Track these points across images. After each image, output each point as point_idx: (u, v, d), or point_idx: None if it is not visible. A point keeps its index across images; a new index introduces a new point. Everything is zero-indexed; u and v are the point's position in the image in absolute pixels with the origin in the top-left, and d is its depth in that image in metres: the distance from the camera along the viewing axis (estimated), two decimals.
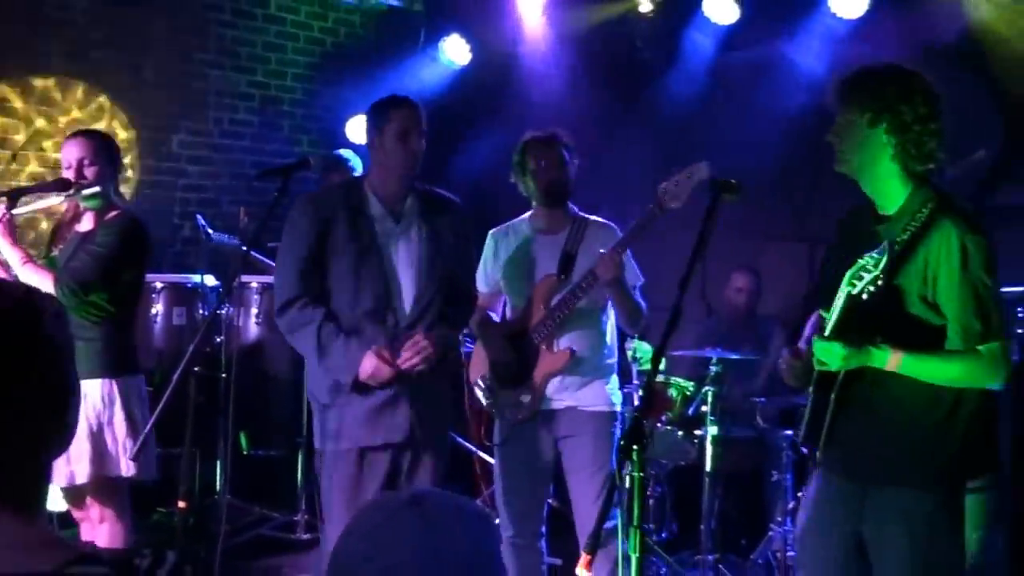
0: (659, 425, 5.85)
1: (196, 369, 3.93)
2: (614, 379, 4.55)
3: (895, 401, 3.13)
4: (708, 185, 3.11)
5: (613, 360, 4.56)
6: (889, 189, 3.16)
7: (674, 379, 5.96)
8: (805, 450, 3.45)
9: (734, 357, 5.63)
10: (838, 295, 3.05)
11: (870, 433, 3.18)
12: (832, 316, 3.07)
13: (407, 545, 1.46)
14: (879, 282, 2.94)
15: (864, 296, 2.96)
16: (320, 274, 4.04)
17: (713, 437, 5.47)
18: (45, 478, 1.59)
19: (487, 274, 4.65)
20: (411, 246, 4.07)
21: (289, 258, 4.04)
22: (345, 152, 5.91)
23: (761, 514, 5.86)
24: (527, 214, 4.61)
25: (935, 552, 3.11)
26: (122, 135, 6.68)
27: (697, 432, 5.70)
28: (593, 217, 4.51)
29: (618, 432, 4.52)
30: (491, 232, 4.68)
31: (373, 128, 4.09)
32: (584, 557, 2.50)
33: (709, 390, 5.52)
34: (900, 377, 3.06)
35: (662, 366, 6.03)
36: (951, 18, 5.99)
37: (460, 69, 7.86)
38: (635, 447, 2.49)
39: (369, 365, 3.90)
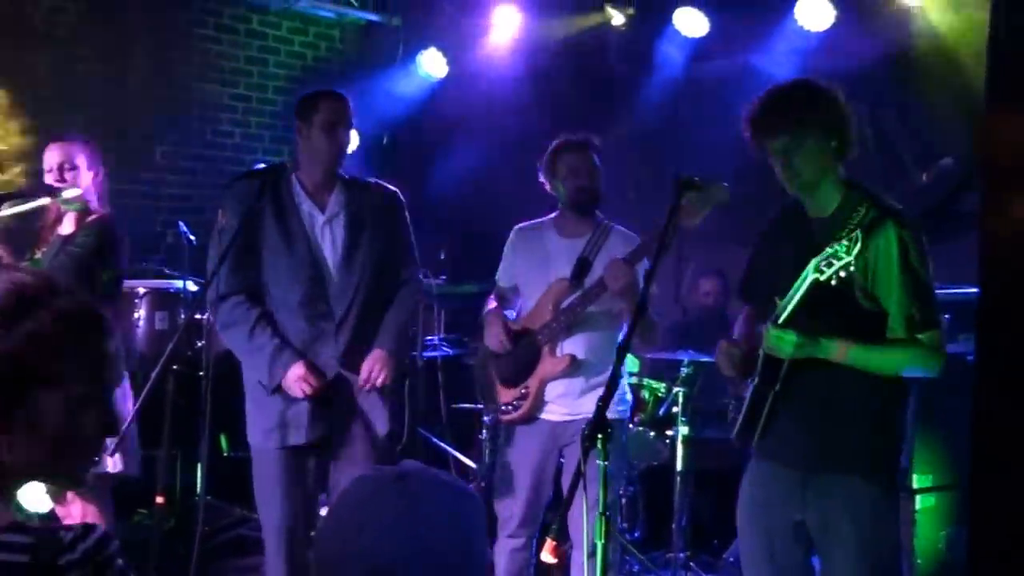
0: (631, 426, 5.83)
1: (175, 367, 3.91)
2: (623, 385, 4.48)
3: (838, 391, 3.17)
4: (672, 182, 3.09)
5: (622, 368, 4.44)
6: (828, 194, 3.21)
7: (646, 380, 5.95)
8: (737, 442, 3.44)
9: (705, 360, 5.64)
10: (799, 283, 3.06)
11: (812, 422, 3.21)
12: (789, 303, 3.09)
13: (391, 521, 1.45)
14: (851, 268, 2.97)
15: (833, 282, 2.98)
16: (254, 266, 4.04)
17: (684, 437, 5.47)
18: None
19: (506, 269, 4.59)
20: (336, 236, 4.07)
21: (219, 250, 3.99)
22: None
23: (733, 514, 5.84)
24: (553, 215, 4.51)
25: (880, 537, 3.16)
26: None
27: (669, 432, 5.70)
28: (617, 226, 4.41)
29: (626, 439, 4.49)
30: (516, 227, 4.59)
31: (299, 119, 4.09)
32: (549, 543, 2.49)
33: (680, 391, 5.52)
34: (843, 367, 3.11)
35: (635, 367, 6.09)
36: (912, 28, 6.03)
37: (437, 82, 7.87)
38: (599, 436, 2.47)
39: (293, 378, 3.94)
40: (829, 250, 2.98)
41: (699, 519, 5.92)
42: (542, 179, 4.45)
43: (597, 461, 2.49)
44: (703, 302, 6.68)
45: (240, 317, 4.02)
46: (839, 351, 3.09)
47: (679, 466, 5.50)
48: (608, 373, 4.19)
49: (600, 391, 4.25)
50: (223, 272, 3.97)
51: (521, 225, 4.59)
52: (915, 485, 4.55)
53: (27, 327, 1.52)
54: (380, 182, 4.28)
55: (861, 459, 3.17)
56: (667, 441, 5.73)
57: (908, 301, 3.06)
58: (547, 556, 2.47)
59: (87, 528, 1.52)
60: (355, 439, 4.04)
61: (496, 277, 4.64)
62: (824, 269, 2.99)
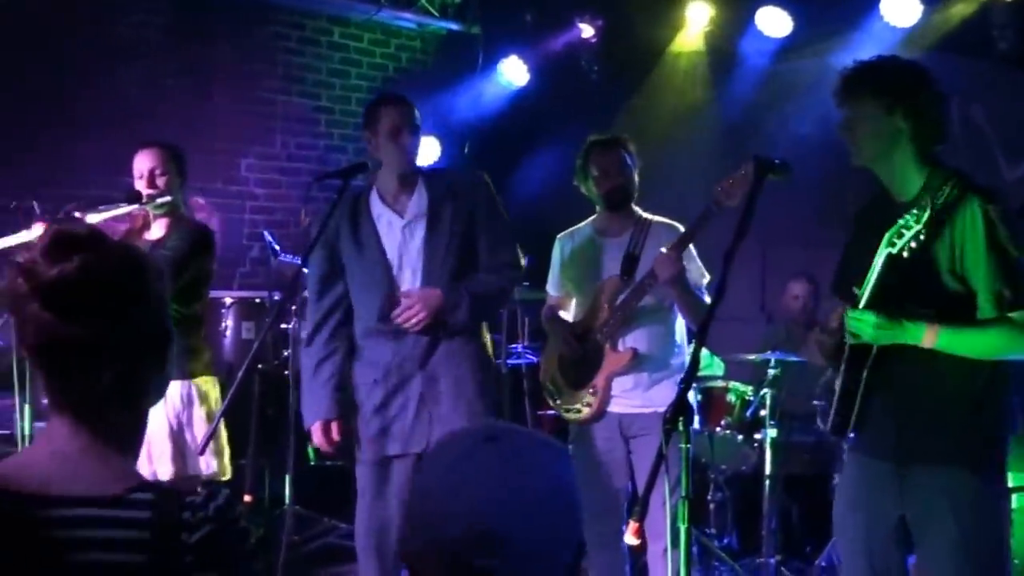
0: (718, 430, 5.83)
1: (260, 366, 4.01)
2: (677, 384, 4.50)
3: (931, 378, 3.08)
4: (753, 165, 3.10)
5: (682, 358, 4.47)
6: (907, 174, 3.16)
7: (732, 384, 5.93)
8: (833, 436, 3.41)
9: (793, 360, 5.61)
10: (875, 260, 3.03)
11: (906, 413, 3.13)
12: (867, 285, 3.05)
13: (488, 481, 1.46)
14: (921, 237, 2.93)
15: (905, 254, 2.95)
16: (341, 288, 4.20)
17: (772, 441, 5.44)
18: (143, 424, 1.73)
19: (556, 278, 4.67)
20: (416, 240, 4.13)
21: (309, 279, 4.25)
22: None
23: (824, 518, 5.79)
24: (592, 217, 4.61)
25: (981, 532, 3.06)
26: None
27: (757, 436, 5.68)
28: (657, 218, 4.48)
29: (694, 428, 4.50)
30: (558, 237, 4.68)
31: (366, 129, 4.19)
32: (632, 525, 2.51)
33: (767, 393, 5.50)
34: (934, 353, 3.02)
35: (720, 370, 6.08)
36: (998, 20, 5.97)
37: (518, 89, 7.95)
38: (681, 418, 2.49)
39: (313, 433, 4.18)
40: (901, 221, 2.96)
41: (790, 524, 5.89)
42: (576, 183, 4.53)
43: (679, 445, 2.51)
44: (792, 306, 6.62)
45: (316, 347, 4.22)
46: (927, 335, 3.00)
47: (768, 470, 5.47)
48: (672, 363, 4.37)
49: (666, 383, 4.37)
50: (311, 306, 4.23)
51: (562, 234, 4.68)
52: (1011, 483, 4.47)
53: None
54: (462, 172, 4.35)
55: (959, 449, 3.06)
56: (755, 445, 5.71)
57: (996, 278, 2.98)
58: (630, 538, 2.50)
59: (212, 491, 1.59)
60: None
61: (547, 288, 4.72)
62: (896, 241, 2.95)
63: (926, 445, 3.11)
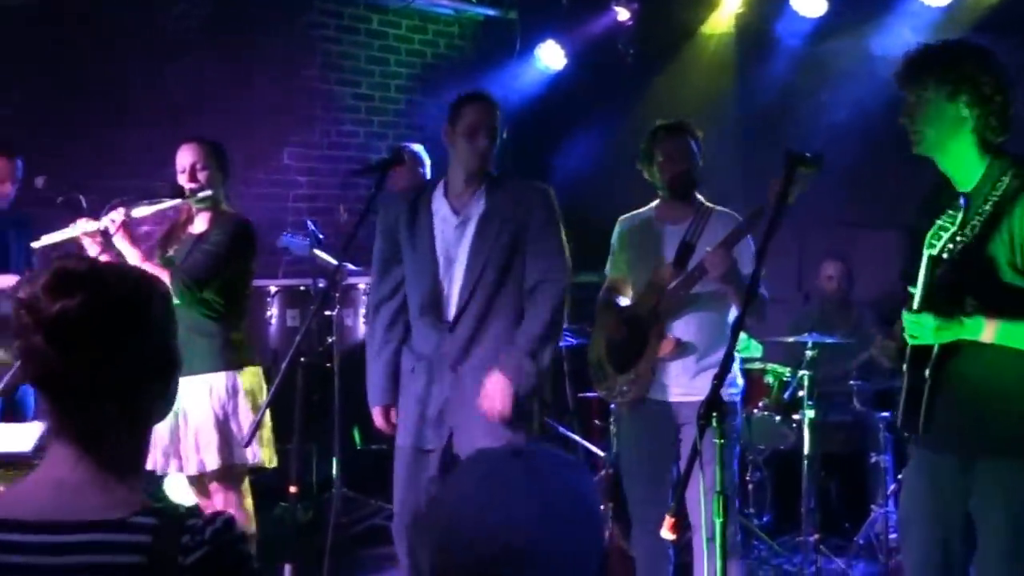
0: (756, 411, 5.82)
1: (303, 359, 4.04)
2: (734, 369, 4.42)
3: (991, 371, 3.03)
4: (784, 159, 3.06)
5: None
6: (967, 163, 3.09)
7: (770, 365, 5.92)
8: (906, 433, 3.35)
9: (829, 341, 5.59)
10: (921, 263, 2.99)
11: (968, 406, 3.08)
12: (918, 287, 3.00)
13: (517, 496, 1.47)
14: (958, 238, 2.89)
15: (944, 255, 2.91)
16: (401, 271, 4.24)
17: (810, 421, 5.43)
18: (147, 446, 1.74)
19: (614, 260, 4.64)
20: (464, 241, 4.13)
21: (373, 260, 4.29)
22: (416, 146, 5.98)
23: (862, 496, 5.79)
24: (654, 203, 4.53)
25: None
26: None
27: (795, 416, 5.67)
28: (719, 208, 4.41)
29: (737, 423, 4.48)
30: (619, 219, 4.64)
31: (449, 124, 4.18)
32: (668, 520, 2.52)
33: (805, 374, 5.48)
34: (994, 347, 2.98)
35: (759, 352, 6.06)
36: None
37: (556, 74, 7.92)
38: (714, 414, 2.49)
39: (374, 415, 4.28)
40: (938, 222, 2.91)
41: (828, 502, 5.88)
42: (639, 167, 4.46)
43: (713, 440, 2.50)
44: (825, 286, 6.61)
45: (377, 332, 4.30)
46: (986, 330, 2.95)
47: (806, 450, 5.46)
48: (719, 353, 4.24)
49: (713, 371, 4.31)
50: (374, 281, 4.31)
51: (623, 216, 4.63)
52: None
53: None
54: (528, 181, 4.34)
55: (1021, 442, 3.03)
56: (793, 425, 5.70)
57: None
58: (666, 533, 2.50)
59: (214, 514, 1.61)
60: (476, 439, 4.08)
61: (606, 270, 4.70)
62: (934, 243, 2.91)
63: (989, 438, 3.07)
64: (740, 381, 4.55)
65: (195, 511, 1.62)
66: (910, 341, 3.07)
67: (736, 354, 4.71)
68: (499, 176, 4.22)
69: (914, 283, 3.09)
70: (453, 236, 4.15)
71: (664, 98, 7.51)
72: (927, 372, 3.08)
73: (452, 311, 4.12)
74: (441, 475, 4.16)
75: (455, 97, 4.24)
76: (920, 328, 3.00)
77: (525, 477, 1.49)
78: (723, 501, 2.49)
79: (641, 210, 4.59)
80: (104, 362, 1.60)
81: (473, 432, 4.05)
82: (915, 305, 3.01)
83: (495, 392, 4.00)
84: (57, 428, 1.64)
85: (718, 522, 2.50)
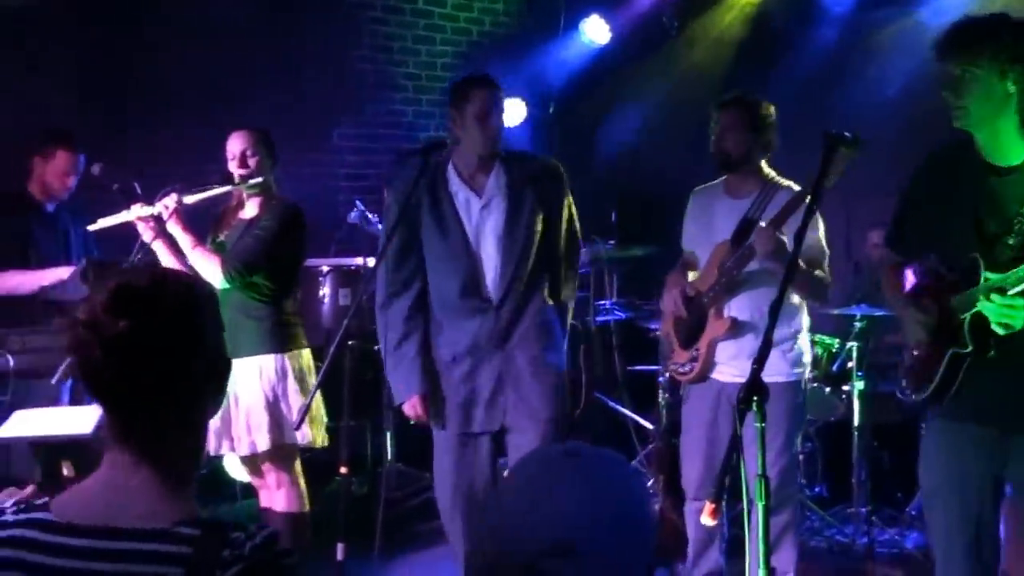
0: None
1: (351, 342, 4.05)
2: (797, 347, 4.32)
3: None
4: (822, 139, 2.96)
5: (791, 329, 4.30)
6: (1009, 142, 3.00)
7: (818, 336, 5.83)
8: (905, 397, 3.28)
9: (878, 313, 5.50)
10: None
11: (1012, 380, 3.01)
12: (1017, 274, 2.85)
13: (569, 494, 1.47)
14: None
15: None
16: (416, 259, 4.15)
17: (860, 392, 5.36)
18: (200, 455, 1.75)
19: (685, 235, 4.57)
20: (495, 220, 4.09)
21: (380, 251, 4.14)
22: None
23: (915, 467, 5.68)
24: (724, 176, 4.43)
25: None
26: None
27: (844, 388, 5.59)
28: (786, 183, 4.28)
29: (796, 401, 4.32)
30: (692, 192, 4.57)
31: (452, 107, 4.12)
32: (708, 505, 2.47)
33: (854, 345, 5.40)
34: None
35: (807, 324, 5.97)
36: None
37: (601, 48, 7.84)
38: (755, 398, 2.44)
39: (407, 408, 4.19)
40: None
41: (880, 472, 5.80)
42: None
43: (754, 424, 2.45)
44: (873, 255, 6.51)
45: (396, 324, 4.18)
46: None
47: (856, 421, 5.39)
48: (780, 333, 4.16)
49: (772, 350, 4.22)
50: (385, 271, 4.15)
51: (696, 189, 4.55)
52: None
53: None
54: (541, 156, 4.31)
55: None
56: (843, 396, 5.62)
57: None
58: (706, 519, 2.46)
59: (257, 528, 1.59)
60: (523, 420, 4.09)
61: (682, 244, 4.62)
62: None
63: None
64: (807, 358, 4.41)
65: (242, 524, 1.60)
66: (1000, 331, 2.93)
67: (804, 332, 4.57)
68: (509, 154, 4.20)
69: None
70: (480, 217, 4.12)
71: (708, 71, 7.41)
72: (967, 344, 3.00)
73: (493, 291, 4.09)
74: (492, 456, 4.15)
75: (459, 79, 4.23)
76: (1013, 314, 2.86)
77: (578, 476, 1.49)
78: (765, 484, 2.44)
79: (713, 183, 4.49)
80: (164, 375, 1.60)
81: (527, 407, 4.05)
82: (1014, 290, 2.86)
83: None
84: (116, 436, 1.64)
85: (760, 505, 2.45)
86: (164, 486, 1.61)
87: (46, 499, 1.63)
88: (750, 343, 4.21)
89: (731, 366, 4.28)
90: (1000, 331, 2.93)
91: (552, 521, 1.45)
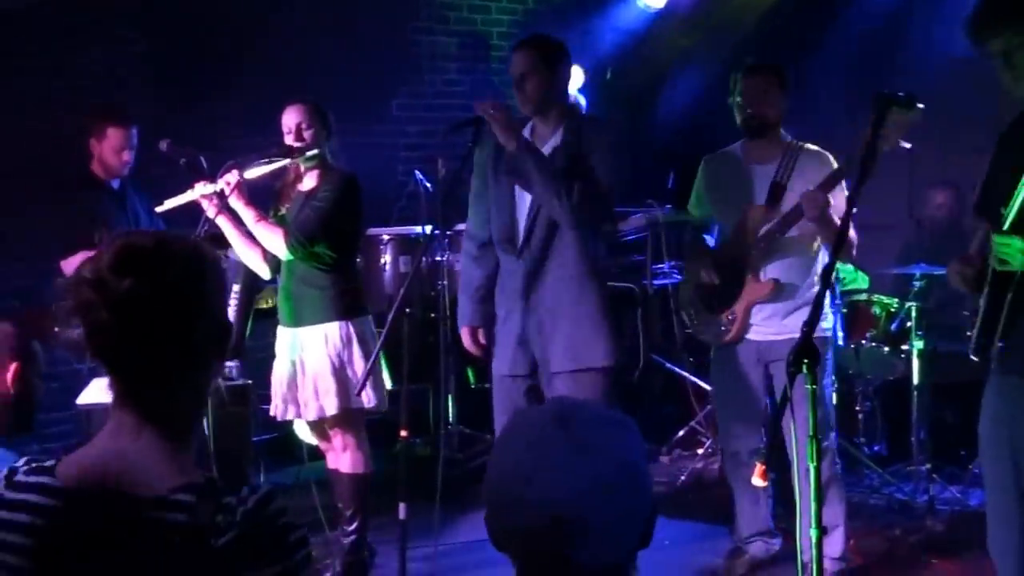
0: (864, 342, 5.67)
1: (409, 309, 4.08)
2: (825, 303, 4.36)
3: None
4: (872, 99, 2.90)
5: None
6: None
7: (876, 296, 5.76)
8: (975, 358, 3.23)
9: (938, 272, 5.40)
10: (1019, 188, 2.84)
11: None
12: (1012, 209, 2.86)
13: (560, 469, 1.46)
14: None
15: None
16: (486, 207, 4.25)
17: (919, 351, 5.29)
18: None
19: (699, 200, 4.57)
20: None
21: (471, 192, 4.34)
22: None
23: (978, 426, 5.59)
24: (740, 141, 4.45)
25: None
26: None
27: (903, 347, 5.51)
28: (808, 145, 4.30)
29: (829, 356, 4.40)
30: (704, 159, 4.57)
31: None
32: (758, 467, 2.46)
33: (913, 305, 5.32)
34: None
35: (866, 284, 5.90)
36: None
37: (657, 12, 7.74)
38: (806, 360, 2.41)
39: (464, 341, 4.35)
40: None
41: (943, 431, 5.71)
42: (730, 102, 4.37)
43: (805, 386, 2.43)
44: (935, 214, 6.38)
45: (464, 262, 4.39)
46: None
47: (916, 380, 5.32)
48: (810, 293, 4.21)
49: (804, 311, 4.14)
50: (469, 211, 4.35)
51: (708, 156, 4.54)
52: None
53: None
54: (600, 116, 4.29)
55: None
56: (902, 356, 5.53)
57: None
58: (757, 480, 2.44)
59: (251, 490, 1.57)
60: (553, 367, 4.06)
61: (688, 208, 4.60)
62: None
63: None
64: (830, 318, 4.47)
65: (236, 486, 1.58)
66: (997, 266, 2.95)
67: (836, 284, 4.60)
68: (579, 114, 4.22)
69: (990, 211, 2.96)
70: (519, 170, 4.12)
71: (766, 33, 7.29)
72: (1009, 296, 2.96)
73: (522, 239, 4.09)
74: (528, 402, 4.17)
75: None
76: (1010, 251, 2.88)
77: (569, 449, 1.47)
78: (816, 444, 2.41)
79: (727, 148, 4.48)
80: (168, 336, 1.60)
81: (555, 354, 4.04)
82: (1006, 226, 2.87)
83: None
84: (120, 398, 1.64)
85: (812, 466, 2.42)
86: (165, 449, 1.60)
87: (54, 461, 1.63)
88: (785, 304, 4.27)
89: (765, 326, 4.32)
90: (996, 265, 2.92)
91: (548, 497, 1.44)
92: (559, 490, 1.44)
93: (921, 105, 3.12)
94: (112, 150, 5.24)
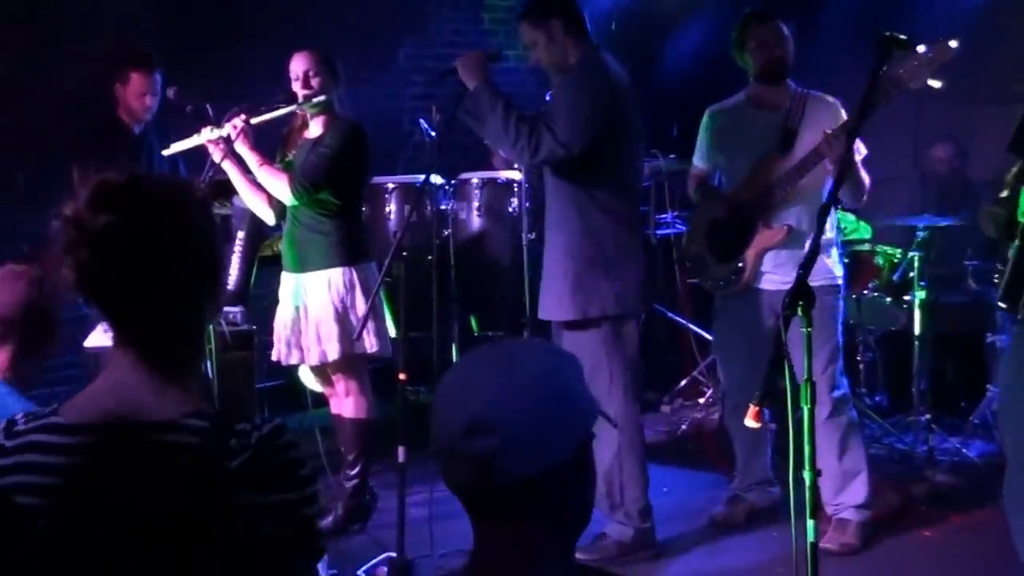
0: (866, 292, 5.65)
1: (411, 257, 4.07)
2: (834, 252, 4.33)
3: None
4: (875, 41, 2.87)
5: (832, 234, 4.33)
6: None
7: (879, 247, 5.73)
8: (1003, 306, 3.21)
9: (942, 224, 5.38)
10: None
11: None
12: None
13: (485, 378, 1.48)
14: None
15: None
16: None
17: (921, 302, 5.27)
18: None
19: (704, 150, 4.53)
20: None
21: None
22: None
23: (980, 377, 5.59)
24: (744, 91, 4.42)
25: None
26: None
27: (905, 298, 5.49)
28: (814, 92, 4.28)
29: (841, 305, 4.36)
30: (708, 109, 4.53)
31: None
32: (752, 408, 2.45)
33: (915, 255, 5.29)
34: None
35: (868, 234, 5.86)
36: None
37: None
38: (800, 303, 2.39)
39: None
40: None
41: (944, 382, 5.71)
42: (732, 54, 4.33)
43: (800, 329, 2.41)
44: (938, 169, 6.35)
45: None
46: None
47: (917, 331, 5.30)
48: (824, 240, 4.11)
49: (818, 259, 4.20)
50: None
51: (712, 107, 4.51)
52: None
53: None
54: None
55: None
56: (904, 306, 5.52)
57: None
58: (750, 421, 2.44)
59: (260, 421, 1.58)
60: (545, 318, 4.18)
61: (693, 160, 4.57)
62: None
63: None
64: (840, 267, 4.40)
65: (249, 417, 1.59)
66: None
67: (837, 240, 4.53)
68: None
69: None
70: None
71: None
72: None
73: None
74: None
75: None
76: None
77: (497, 360, 1.51)
78: (811, 389, 2.40)
79: (731, 99, 4.44)
80: (152, 270, 1.59)
81: (543, 305, 4.17)
82: None
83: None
84: (115, 335, 1.64)
85: (806, 408, 2.41)
86: (166, 383, 1.61)
87: (55, 406, 1.64)
88: (796, 252, 4.18)
89: (777, 274, 4.27)
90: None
91: (471, 401, 1.46)
92: (475, 397, 1.46)
93: (953, 43, 3.07)
94: (135, 94, 5.30)
